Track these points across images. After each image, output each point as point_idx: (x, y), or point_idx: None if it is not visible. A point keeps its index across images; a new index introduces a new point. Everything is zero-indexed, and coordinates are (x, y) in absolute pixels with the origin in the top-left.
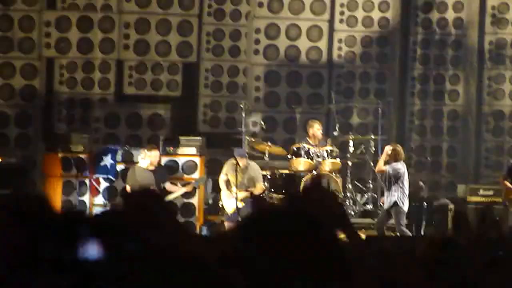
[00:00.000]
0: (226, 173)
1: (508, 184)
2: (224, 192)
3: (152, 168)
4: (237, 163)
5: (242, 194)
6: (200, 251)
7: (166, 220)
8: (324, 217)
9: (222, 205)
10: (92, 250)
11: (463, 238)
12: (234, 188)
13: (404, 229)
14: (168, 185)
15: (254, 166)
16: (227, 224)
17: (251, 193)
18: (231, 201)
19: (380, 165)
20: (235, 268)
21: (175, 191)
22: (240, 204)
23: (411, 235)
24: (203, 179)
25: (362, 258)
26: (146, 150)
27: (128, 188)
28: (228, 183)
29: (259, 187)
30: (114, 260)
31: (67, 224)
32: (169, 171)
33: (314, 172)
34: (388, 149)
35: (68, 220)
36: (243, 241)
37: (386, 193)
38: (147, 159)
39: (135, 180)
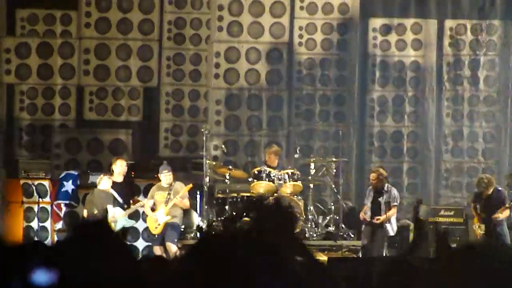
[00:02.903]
0: (152, 196)
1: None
2: (149, 217)
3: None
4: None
5: (170, 206)
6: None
7: (113, 250)
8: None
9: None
10: (44, 276)
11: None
12: (162, 206)
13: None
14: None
15: (179, 183)
16: (156, 249)
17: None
18: (156, 222)
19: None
20: None
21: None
22: (168, 218)
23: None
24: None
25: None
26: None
27: (85, 212)
28: (155, 205)
29: (185, 203)
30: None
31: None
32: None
33: (276, 195)
34: (372, 177)
35: (20, 250)
36: (189, 267)
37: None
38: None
39: (92, 203)
